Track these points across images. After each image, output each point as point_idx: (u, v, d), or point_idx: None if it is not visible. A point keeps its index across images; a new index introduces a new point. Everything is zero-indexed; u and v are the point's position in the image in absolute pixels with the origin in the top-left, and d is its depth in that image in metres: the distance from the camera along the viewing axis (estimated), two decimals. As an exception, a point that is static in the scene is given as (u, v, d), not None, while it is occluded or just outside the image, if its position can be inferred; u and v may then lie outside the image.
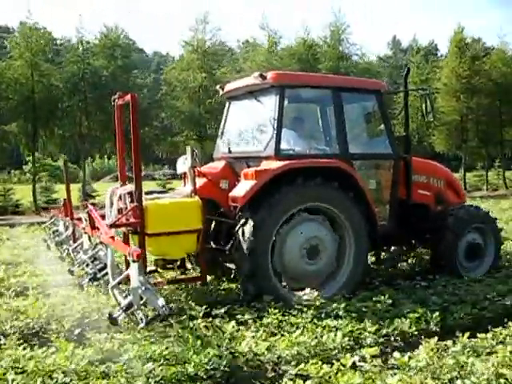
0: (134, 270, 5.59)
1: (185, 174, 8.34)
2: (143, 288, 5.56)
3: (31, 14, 26.41)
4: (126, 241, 7.65)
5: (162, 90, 32.53)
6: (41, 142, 27.70)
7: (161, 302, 5.53)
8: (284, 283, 7.65)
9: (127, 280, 6.06)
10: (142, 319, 5.62)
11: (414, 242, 9.52)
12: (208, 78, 29.69)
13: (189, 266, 8.84)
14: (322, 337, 5.72)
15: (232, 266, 8.10)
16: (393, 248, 9.75)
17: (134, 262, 5.60)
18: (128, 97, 7.49)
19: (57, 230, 10.45)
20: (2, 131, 26.31)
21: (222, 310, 6.50)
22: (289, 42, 33.46)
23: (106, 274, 6.77)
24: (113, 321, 5.71)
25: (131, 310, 5.67)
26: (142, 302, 5.63)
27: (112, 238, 6.84)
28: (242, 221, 7.28)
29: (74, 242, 8.92)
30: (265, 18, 36.04)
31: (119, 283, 6.18)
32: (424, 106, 8.82)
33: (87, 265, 7.57)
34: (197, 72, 29.88)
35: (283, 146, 7.70)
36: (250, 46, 35.00)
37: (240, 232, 7.28)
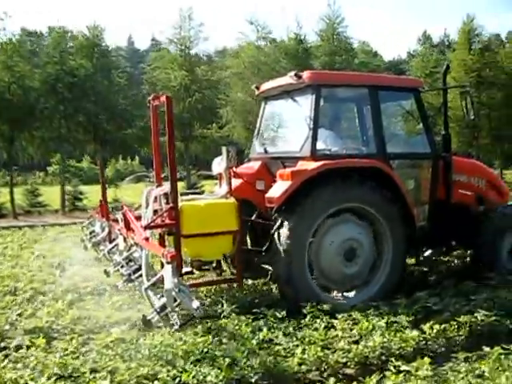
0: (167, 272, 5.58)
1: (220, 174, 8.31)
2: (177, 290, 5.54)
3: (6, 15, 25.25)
4: (162, 242, 7.65)
5: (144, 91, 30.88)
6: (19, 144, 27.21)
7: (195, 303, 5.49)
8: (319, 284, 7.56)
9: (162, 282, 6.09)
10: (176, 321, 5.60)
11: (454, 243, 9.30)
12: (188, 76, 28.74)
13: (224, 267, 8.81)
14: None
15: (268, 267, 8.05)
16: (431, 250, 9.55)
17: (167, 263, 5.59)
18: (163, 98, 7.49)
19: (94, 231, 10.57)
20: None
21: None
22: (279, 37, 31.95)
23: (141, 275, 6.79)
24: (146, 323, 5.71)
25: (165, 312, 5.65)
26: (176, 304, 5.61)
27: (146, 239, 6.84)
28: (278, 222, 7.21)
29: (110, 242, 8.99)
30: (253, 13, 33.59)
31: (153, 285, 6.18)
32: (464, 103, 8.61)
33: (122, 266, 7.60)
34: (177, 70, 28.90)
35: (319, 146, 7.61)
36: (238, 41, 33.86)
37: (276, 234, 7.21)
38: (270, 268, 7.95)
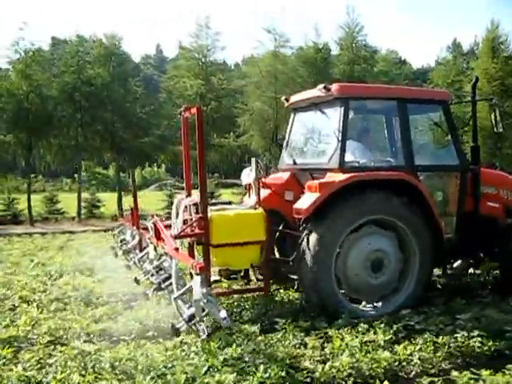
0: (196, 283, 5.69)
1: (249, 185, 8.42)
2: (205, 300, 5.65)
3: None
4: (191, 251, 7.79)
5: (161, 99, 31.22)
6: (37, 152, 27.44)
7: (223, 314, 5.60)
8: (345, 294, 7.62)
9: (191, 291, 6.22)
10: (203, 331, 5.72)
11: (481, 255, 9.28)
12: (205, 86, 28.60)
13: (252, 276, 8.91)
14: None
15: (295, 277, 8.14)
16: (459, 262, 9.53)
17: (196, 274, 5.71)
18: (194, 110, 7.64)
19: (124, 239, 10.74)
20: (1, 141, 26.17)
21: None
22: (297, 45, 31.47)
23: (170, 284, 6.92)
24: (175, 331, 5.84)
25: (193, 322, 5.77)
26: (204, 314, 5.73)
27: (176, 249, 6.98)
28: (306, 233, 7.30)
29: (141, 251, 9.15)
30: (271, 20, 34.26)
31: (183, 294, 6.31)
32: (493, 116, 8.62)
33: (152, 275, 7.74)
34: (193, 79, 28.72)
35: (347, 158, 7.68)
36: (254, 50, 33.32)
37: (304, 244, 7.30)
38: (297, 278, 8.06)
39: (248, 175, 8.23)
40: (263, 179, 8.19)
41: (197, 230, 7.32)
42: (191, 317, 5.75)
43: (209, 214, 7.28)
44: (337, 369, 5.28)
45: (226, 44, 57.70)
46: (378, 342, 6.02)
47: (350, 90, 7.99)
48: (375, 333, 6.28)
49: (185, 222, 7.65)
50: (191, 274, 6.49)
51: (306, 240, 7.29)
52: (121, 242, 10.88)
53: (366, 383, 5.18)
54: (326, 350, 5.88)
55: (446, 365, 5.62)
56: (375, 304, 7.81)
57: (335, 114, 7.80)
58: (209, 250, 7.21)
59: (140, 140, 27.95)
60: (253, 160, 8.04)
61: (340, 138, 7.56)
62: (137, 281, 8.35)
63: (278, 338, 6.18)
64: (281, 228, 8.27)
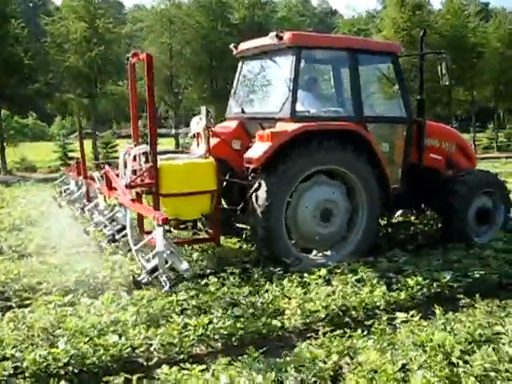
0: (159, 234, 5.62)
1: (198, 134, 8.29)
2: (168, 252, 5.60)
3: None
4: (138, 201, 7.65)
5: (46, 43, 28.78)
6: None
7: (185, 265, 5.59)
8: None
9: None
10: (165, 282, 5.68)
11: (423, 205, 9.55)
12: (90, 29, 27.19)
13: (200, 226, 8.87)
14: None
15: (243, 226, 8.17)
16: (402, 211, 9.79)
17: (159, 226, 5.62)
18: (143, 55, 7.40)
19: (68, 189, 10.44)
20: None
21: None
22: None
23: (125, 235, 6.81)
24: (137, 284, 5.78)
25: (156, 274, 5.72)
26: (167, 266, 5.68)
27: (132, 200, 6.85)
28: (257, 183, 7.28)
29: (88, 201, 8.93)
30: None
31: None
32: (439, 69, 8.74)
33: (105, 226, 7.57)
34: (76, 22, 27.18)
35: (298, 107, 7.65)
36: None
37: (254, 194, 7.30)
38: (245, 227, 8.08)
39: (197, 124, 8.08)
40: (213, 128, 8.06)
41: (147, 180, 7.20)
42: (154, 269, 5.69)
43: (158, 164, 7.16)
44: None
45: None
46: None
47: (303, 38, 7.90)
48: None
49: (134, 171, 7.49)
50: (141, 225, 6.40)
51: (256, 189, 7.29)
52: (64, 191, 10.58)
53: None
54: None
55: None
56: (325, 253, 7.94)
57: (287, 63, 7.72)
58: (159, 200, 7.10)
59: (24, 87, 26.20)
60: (203, 108, 7.90)
61: (291, 88, 7.51)
62: (86, 232, 8.16)
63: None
64: (228, 177, 8.22)
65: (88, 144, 25.96)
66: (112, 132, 34.71)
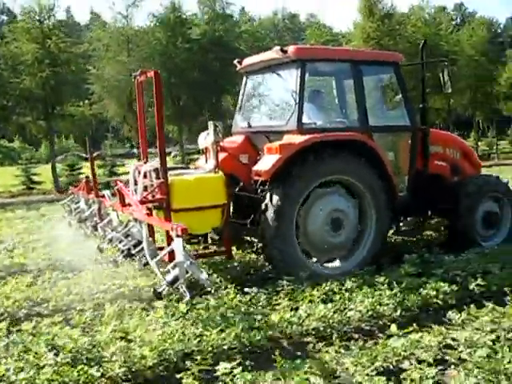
0: (178, 245, 5.72)
1: (206, 149, 8.40)
2: (188, 262, 5.69)
3: None
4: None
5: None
6: None
7: (204, 275, 5.67)
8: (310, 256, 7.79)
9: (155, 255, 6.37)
10: (185, 292, 5.76)
11: (429, 212, 9.62)
12: (41, 50, 26.35)
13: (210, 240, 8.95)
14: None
15: (253, 239, 8.25)
16: (409, 219, 9.86)
17: (178, 236, 5.72)
18: (150, 73, 7.53)
19: (78, 208, 10.52)
20: None
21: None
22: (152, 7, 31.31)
23: (140, 250, 6.91)
24: (157, 295, 5.86)
25: (177, 285, 5.80)
26: (187, 276, 5.77)
27: (148, 214, 6.95)
28: (268, 195, 7.38)
29: (100, 219, 9.01)
30: None
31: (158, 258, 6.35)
32: (441, 77, 8.87)
33: (120, 241, 7.65)
34: (27, 43, 26.51)
35: (305, 119, 7.77)
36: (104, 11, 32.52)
37: (264, 205, 7.38)
38: (255, 240, 8.16)
39: (205, 139, 8.20)
40: (221, 143, 8.16)
41: (158, 195, 7.30)
42: (175, 279, 5.77)
43: (169, 179, 7.26)
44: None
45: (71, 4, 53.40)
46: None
47: (307, 52, 8.05)
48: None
49: (145, 188, 7.59)
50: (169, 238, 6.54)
51: (266, 201, 7.38)
52: (74, 210, 10.65)
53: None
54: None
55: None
56: (334, 262, 8.02)
57: (291, 76, 7.86)
58: (170, 215, 7.20)
59: None
60: (210, 123, 8.00)
61: (297, 100, 7.63)
62: (100, 249, 8.25)
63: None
64: (237, 191, 8.31)
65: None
66: (103, 152, 34.28)
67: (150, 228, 7.34)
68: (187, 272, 5.73)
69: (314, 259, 7.89)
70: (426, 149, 8.87)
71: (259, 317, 5.67)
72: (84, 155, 34.88)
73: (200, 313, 5.67)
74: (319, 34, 37.07)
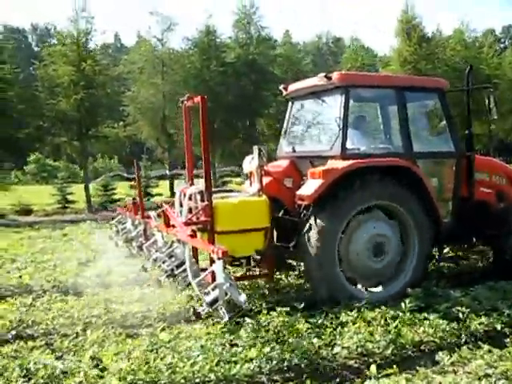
0: (219, 267, 5.85)
1: (251, 173, 8.54)
2: (228, 284, 5.80)
3: None
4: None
5: (37, 87, 28.23)
6: None
7: (243, 297, 5.77)
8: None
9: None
10: (224, 313, 5.87)
11: (474, 240, 9.51)
12: (77, 72, 26.47)
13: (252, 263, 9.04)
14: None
15: (295, 262, 8.31)
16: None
17: (219, 259, 5.85)
18: (197, 98, 7.74)
19: (125, 228, 10.80)
20: None
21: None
22: (188, 31, 31.51)
23: (183, 270, 7.06)
24: (197, 315, 5.98)
25: (216, 306, 5.92)
26: (227, 298, 5.88)
27: (192, 236, 7.10)
28: (311, 219, 7.45)
29: (146, 239, 9.24)
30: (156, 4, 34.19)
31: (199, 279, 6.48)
32: (487, 103, 8.83)
33: (164, 262, 7.83)
34: (63, 66, 26.68)
35: (349, 145, 7.84)
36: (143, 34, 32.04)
37: (307, 229, 7.45)
38: (298, 263, 8.23)
39: (250, 163, 8.34)
40: (265, 167, 8.29)
41: (202, 218, 7.45)
42: (214, 300, 5.89)
43: (214, 202, 7.41)
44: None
45: (108, 28, 53.61)
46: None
47: (351, 78, 8.14)
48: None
49: (190, 210, 7.76)
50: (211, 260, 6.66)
51: (309, 226, 7.45)
52: (121, 231, 10.93)
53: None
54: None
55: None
56: (376, 288, 8.01)
57: (336, 102, 7.95)
58: (214, 237, 7.33)
59: (14, 131, 26.03)
60: (255, 148, 8.15)
61: (341, 126, 7.71)
62: (145, 269, 8.45)
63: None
64: (280, 214, 8.40)
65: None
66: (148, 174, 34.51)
67: (194, 249, 7.48)
68: (226, 294, 5.84)
69: (359, 285, 7.91)
70: (471, 175, 8.81)
71: (240, 349, 5.50)
72: (126, 175, 35.20)
73: (180, 342, 5.70)
74: (355, 58, 37.04)
